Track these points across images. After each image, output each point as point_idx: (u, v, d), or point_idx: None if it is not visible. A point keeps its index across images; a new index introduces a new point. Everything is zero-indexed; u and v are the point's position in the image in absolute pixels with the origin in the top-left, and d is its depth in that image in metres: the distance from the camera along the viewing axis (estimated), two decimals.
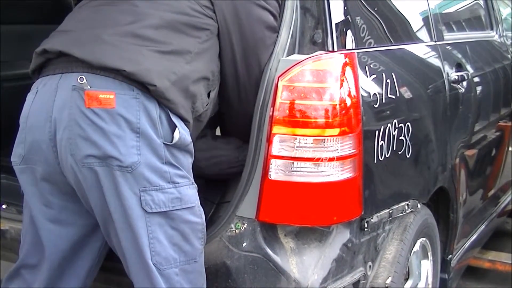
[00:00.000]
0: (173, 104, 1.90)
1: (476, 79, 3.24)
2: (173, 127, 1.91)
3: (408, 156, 2.42)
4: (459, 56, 3.11)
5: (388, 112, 2.31)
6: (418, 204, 2.57)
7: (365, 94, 2.16)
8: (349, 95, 2.08)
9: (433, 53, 2.83)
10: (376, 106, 2.22)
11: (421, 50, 2.77)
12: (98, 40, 1.91)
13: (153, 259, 1.91)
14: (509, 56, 3.96)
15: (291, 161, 2.04)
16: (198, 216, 1.99)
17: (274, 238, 2.13)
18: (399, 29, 2.65)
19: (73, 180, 1.94)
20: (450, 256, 3.09)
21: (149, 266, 1.91)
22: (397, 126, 2.32)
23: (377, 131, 2.23)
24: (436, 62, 2.82)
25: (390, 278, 2.36)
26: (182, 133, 1.93)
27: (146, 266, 1.91)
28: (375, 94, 2.22)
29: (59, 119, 1.90)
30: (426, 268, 2.78)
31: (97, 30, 1.94)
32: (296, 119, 2.04)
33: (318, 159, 2.04)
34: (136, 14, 1.96)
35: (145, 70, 1.86)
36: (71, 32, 2.01)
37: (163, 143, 1.89)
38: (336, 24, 2.15)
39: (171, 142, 1.91)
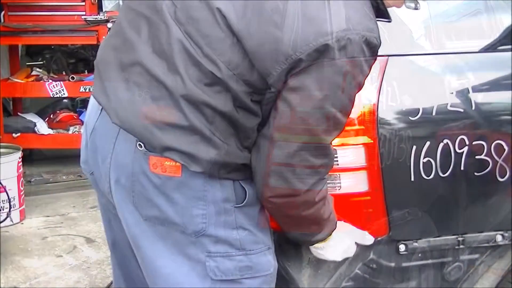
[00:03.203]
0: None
1: None
2: (243, 186, 1.78)
3: None
4: None
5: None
6: None
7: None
8: None
9: None
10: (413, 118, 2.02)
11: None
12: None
13: None
14: None
15: None
16: (269, 284, 1.86)
17: (294, 248, 2.12)
18: None
19: (131, 228, 1.84)
20: None
21: None
22: None
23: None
24: None
25: None
26: (249, 189, 1.78)
27: None
28: None
29: (120, 164, 1.78)
30: None
31: None
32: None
33: None
34: None
35: None
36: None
37: (234, 206, 1.76)
38: None
39: (242, 203, 1.77)
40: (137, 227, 1.80)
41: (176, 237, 1.75)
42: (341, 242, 1.95)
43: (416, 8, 1.78)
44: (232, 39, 1.65)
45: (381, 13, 1.77)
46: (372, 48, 1.66)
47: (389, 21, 1.89)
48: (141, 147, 1.71)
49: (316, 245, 1.94)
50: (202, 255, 1.75)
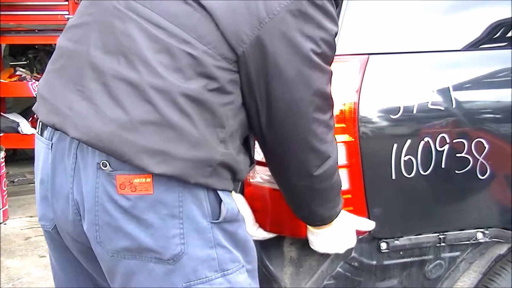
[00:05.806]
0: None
1: None
2: (219, 199, 1.63)
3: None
4: None
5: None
6: None
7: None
8: None
9: None
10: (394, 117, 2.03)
11: None
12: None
13: None
14: None
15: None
16: None
17: (276, 246, 2.13)
18: None
19: (102, 264, 1.69)
20: None
21: None
22: None
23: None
24: None
25: None
26: (229, 203, 1.64)
27: None
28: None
29: (81, 196, 1.61)
30: None
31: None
32: None
33: None
34: None
35: None
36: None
37: (211, 222, 1.61)
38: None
39: (219, 218, 1.63)
40: (107, 263, 1.65)
41: (150, 269, 1.60)
42: (341, 233, 1.94)
43: None
44: (200, 12, 1.57)
45: None
46: None
47: None
48: (105, 166, 1.54)
49: (317, 236, 1.94)
50: (180, 286, 1.61)
